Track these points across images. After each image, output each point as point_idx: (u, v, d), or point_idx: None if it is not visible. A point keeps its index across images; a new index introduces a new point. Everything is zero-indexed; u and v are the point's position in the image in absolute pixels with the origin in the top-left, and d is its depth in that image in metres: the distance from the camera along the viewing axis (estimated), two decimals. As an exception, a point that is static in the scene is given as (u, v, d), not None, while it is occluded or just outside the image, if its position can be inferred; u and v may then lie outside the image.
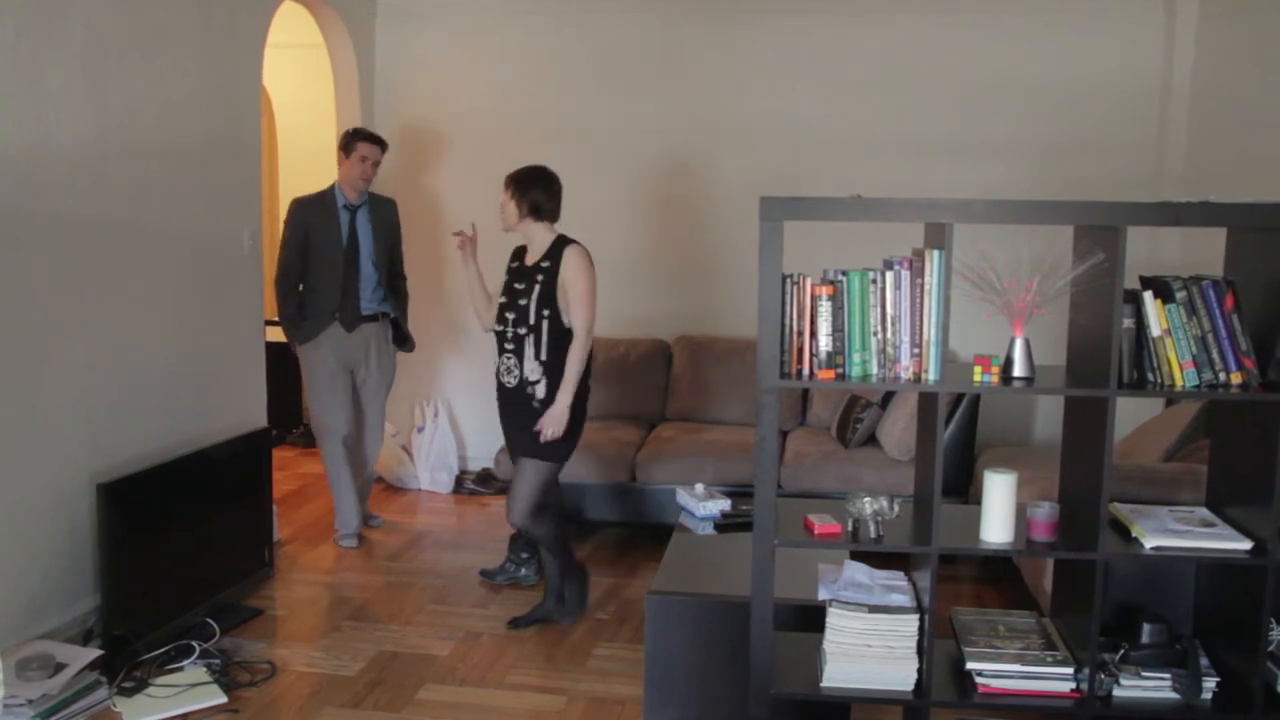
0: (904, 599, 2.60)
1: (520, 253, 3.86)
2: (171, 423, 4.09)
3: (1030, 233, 2.38)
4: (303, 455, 6.34)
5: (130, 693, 3.30)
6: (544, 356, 3.69)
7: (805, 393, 5.32)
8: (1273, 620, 2.48)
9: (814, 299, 2.43)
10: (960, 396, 4.59)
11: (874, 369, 2.46)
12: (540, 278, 3.71)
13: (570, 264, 3.69)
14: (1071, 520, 2.59)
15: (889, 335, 2.44)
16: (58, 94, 3.50)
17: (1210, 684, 2.52)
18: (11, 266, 3.35)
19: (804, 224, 2.46)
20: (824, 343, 2.44)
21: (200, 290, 4.28)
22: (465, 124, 5.78)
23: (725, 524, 3.78)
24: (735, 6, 5.49)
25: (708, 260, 5.65)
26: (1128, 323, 2.42)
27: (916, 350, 2.44)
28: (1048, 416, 5.41)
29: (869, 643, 2.52)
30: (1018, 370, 2.46)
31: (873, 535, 2.52)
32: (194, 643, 3.56)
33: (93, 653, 3.28)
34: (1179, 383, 2.42)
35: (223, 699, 3.32)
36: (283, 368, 5.08)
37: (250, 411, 4.62)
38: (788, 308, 2.44)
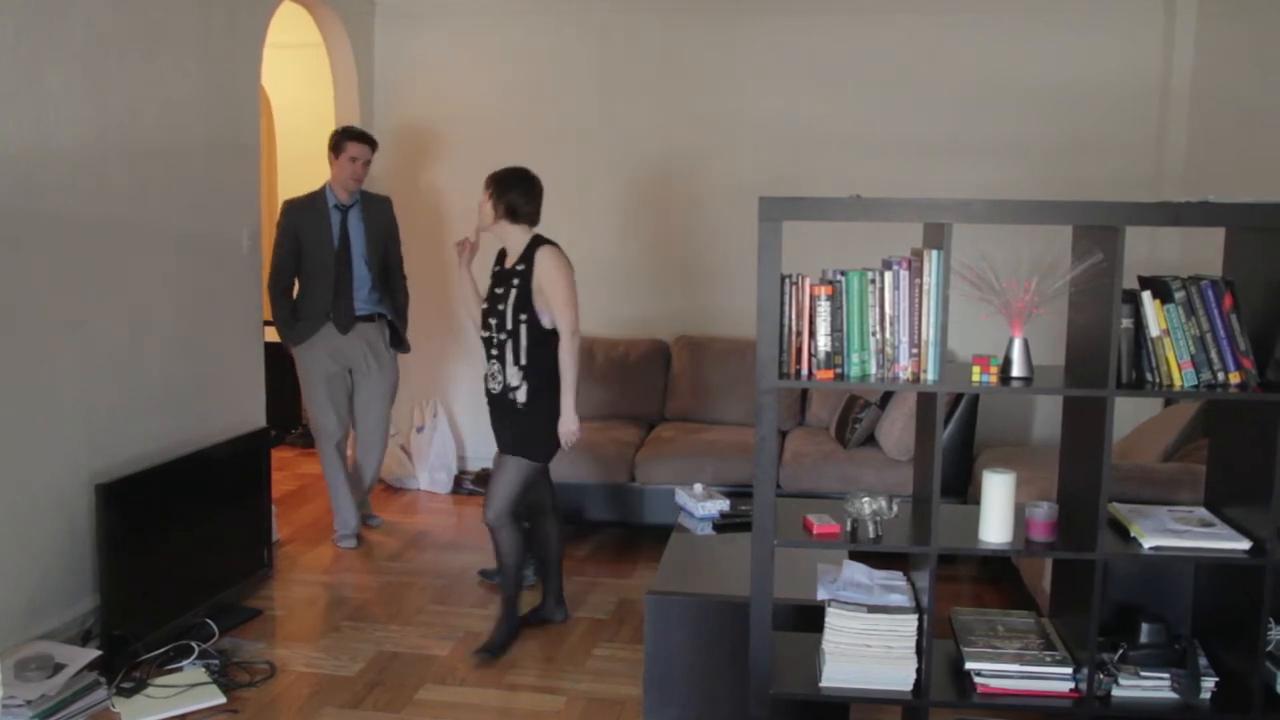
0: (903, 599, 2.60)
1: (502, 256, 3.80)
2: (171, 423, 4.09)
3: (1029, 233, 2.38)
4: (302, 455, 6.35)
5: (129, 693, 3.30)
6: (523, 361, 3.64)
7: (804, 393, 5.32)
8: (1271, 620, 2.48)
9: (813, 299, 2.43)
10: (959, 396, 4.59)
11: (873, 369, 2.46)
12: (516, 281, 3.66)
13: (544, 266, 3.64)
14: (1070, 520, 2.59)
15: (888, 335, 2.44)
16: (58, 94, 3.50)
17: (1209, 684, 2.52)
18: (11, 266, 3.35)
19: (803, 224, 2.47)
20: (823, 343, 2.44)
21: (200, 290, 4.28)
22: (464, 124, 5.78)
23: (724, 524, 3.78)
24: (735, 6, 5.49)
25: (707, 260, 5.65)
26: (1126, 323, 2.42)
27: (915, 350, 2.44)
28: (1046, 416, 5.41)
29: (868, 643, 2.52)
30: (1016, 370, 2.46)
31: (871, 535, 2.52)
32: (193, 643, 3.56)
33: (92, 653, 3.28)
34: (1178, 383, 2.42)
35: (222, 699, 3.32)
36: (282, 368, 5.08)
37: (249, 412, 4.62)
38: (787, 308, 2.44)
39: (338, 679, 3.53)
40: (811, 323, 2.44)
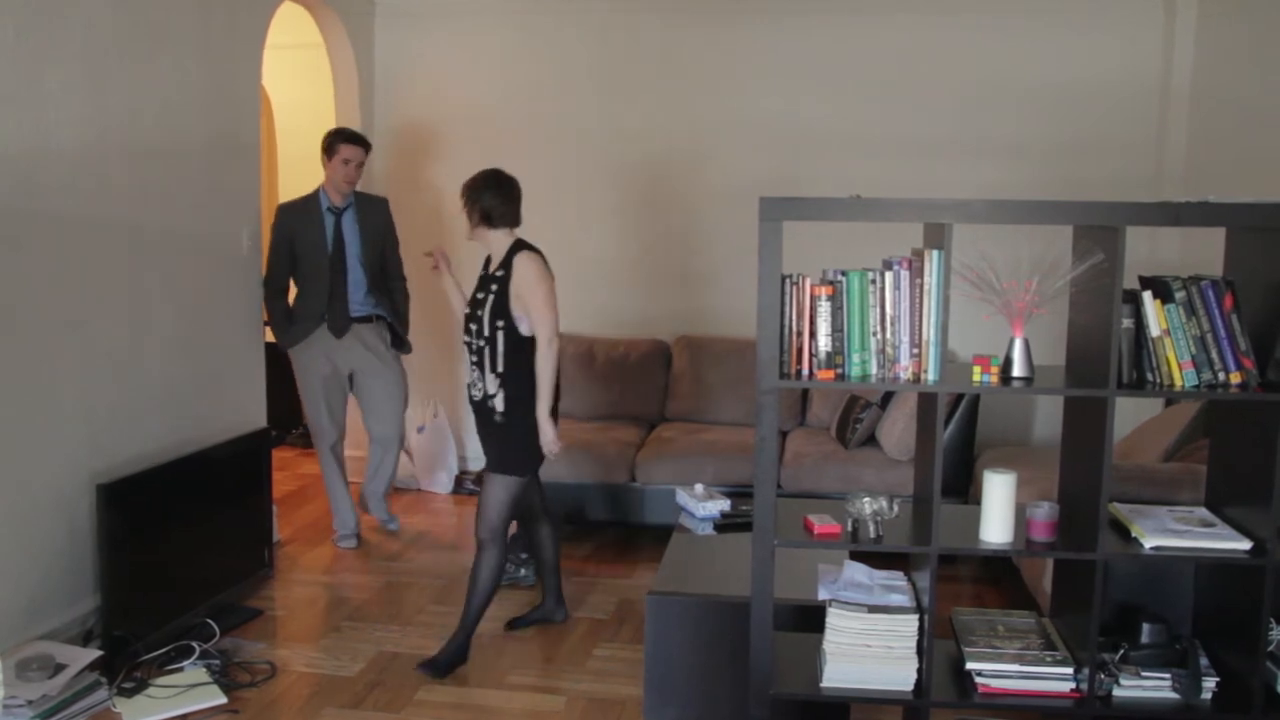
0: (903, 599, 2.60)
1: (489, 260, 3.71)
2: (171, 423, 4.09)
3: (1030, 233, 2.38)
4: (302, 456, 6.35)
5: (130, 693, 3.30)
6: (500, 369, 3.55)
7: (805, 393, 5.32)
8: (1272, 620, 2.48)
9: (813, 299, 2.43)
10: (960, 396, 4.59)
11: (873, 369, 2.46)
12: (494, 287, 3.57)
13: (521, 271, 3.53)
14: (1071, 520, 2.59)
15: (888, 335, 2.44)
16: (58, 94, 3.50)
17: (1210, 684, 2.52)
18: (11, 266, 3.35)
19: (804, 224, 2.47)
20: (823, 343, 2.44)
21: (200, 290, 4.28)
22: (465, 124, 5.78)
23: (725, 524, 3.78)
24: (735, 6, 5.49)
25: (707, 260, 5.65)
26: (1127, 323, 2.42)
27: (916, 350, 2.44)
28: (1047, 416, 5.41)
29: (868, 643, 2.53)
30: (1017, 370, 2.46)
31: (872, 535, 2.53)
32: (194, 643, 3.56)
33: (93, 653, 3.28)
34: (1178, 383, 2.42)
35: (223, 699, 3.32)
36: (282, 368, 5.08)
37: (250, 412, 4.62)
38: (787, 308, 2.44)
39: (338, 679, 3.53)
40: (812, 323, 2.44)
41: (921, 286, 2.42)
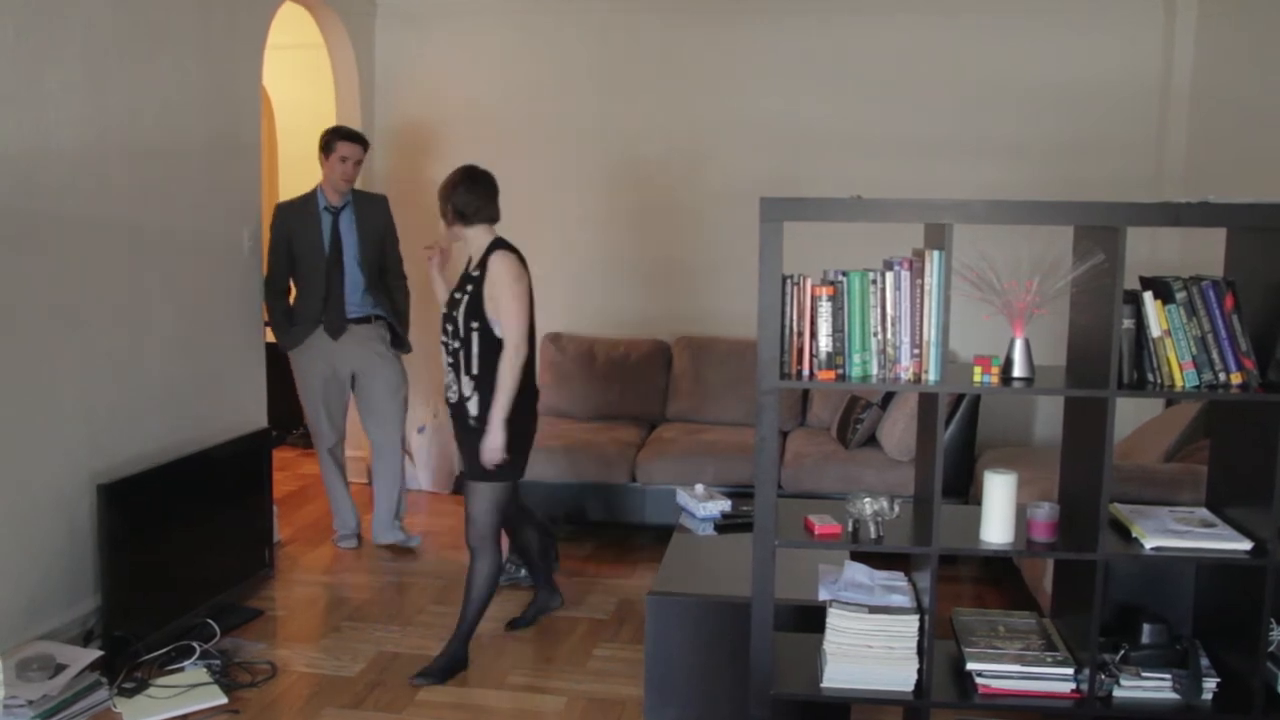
0: (904, 599, 2.60)
1: (470, 259, 3.63)
2: (172, 423, 4.09)
3: (1030, 233, 2.38)
4: (303, 456, 6.35)
5: (131, 693, 3.30)
6: (474, 371, 3.47)
7: (805, 393, 5.32)
8: (1273, 620, 2.48)
9: (814, 299, 2.43)
10: (960, 397, 4.59)
11: (874, 369, 2.46)
12: (470, 287, 3.49)
13: (495, 271, 3.45)
14: (1071, 521, 2.59)
15: (889, 336, 2.44)
16: (58, 94, 3.50)
17: (1210, 684, 2.52)
18: (11, 266, 3.35)
19: (804, 224, 2.46)
20: (824, 343, 2.44)
21: (200, 290, 4.28)
22: (465, 124, 5.78)
23: (725, 524, 3.78)
24: (735, 6, 5.49)
25: (708, 261, 5.65)
26: (1128, 323, 2.42)
27: (916, 351, 2.44)
28: (1048, 417, 5.41)
29: (869, 643, 2.53)
30: (1018, 371, 2.46)
31: (873, 536, 2.52)
32: (194, 643, 3.56)
33: (93, 653, 3.28)
34: (1179, 383, 2.42)
35: (223, 700, 3.32)
36: (283, 368, 5.07)
37: (250, 412, 4.62)
38: (788, 308, 2.44)
39: (339, 679, 3.53)
40: (813, 323, 2.44)
41: (922, 287, 2.42)
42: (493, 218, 3.58)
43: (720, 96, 5.55)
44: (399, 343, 4.77)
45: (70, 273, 3.59)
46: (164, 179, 4.05)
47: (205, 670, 3.46)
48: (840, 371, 2.46)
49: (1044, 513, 2.53)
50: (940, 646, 2.64)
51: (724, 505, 3.85)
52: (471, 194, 3.53)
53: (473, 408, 3.51)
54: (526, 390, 3.58)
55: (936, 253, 2.40)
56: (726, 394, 5.36)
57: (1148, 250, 4.84)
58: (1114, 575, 2.72)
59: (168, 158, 4.06)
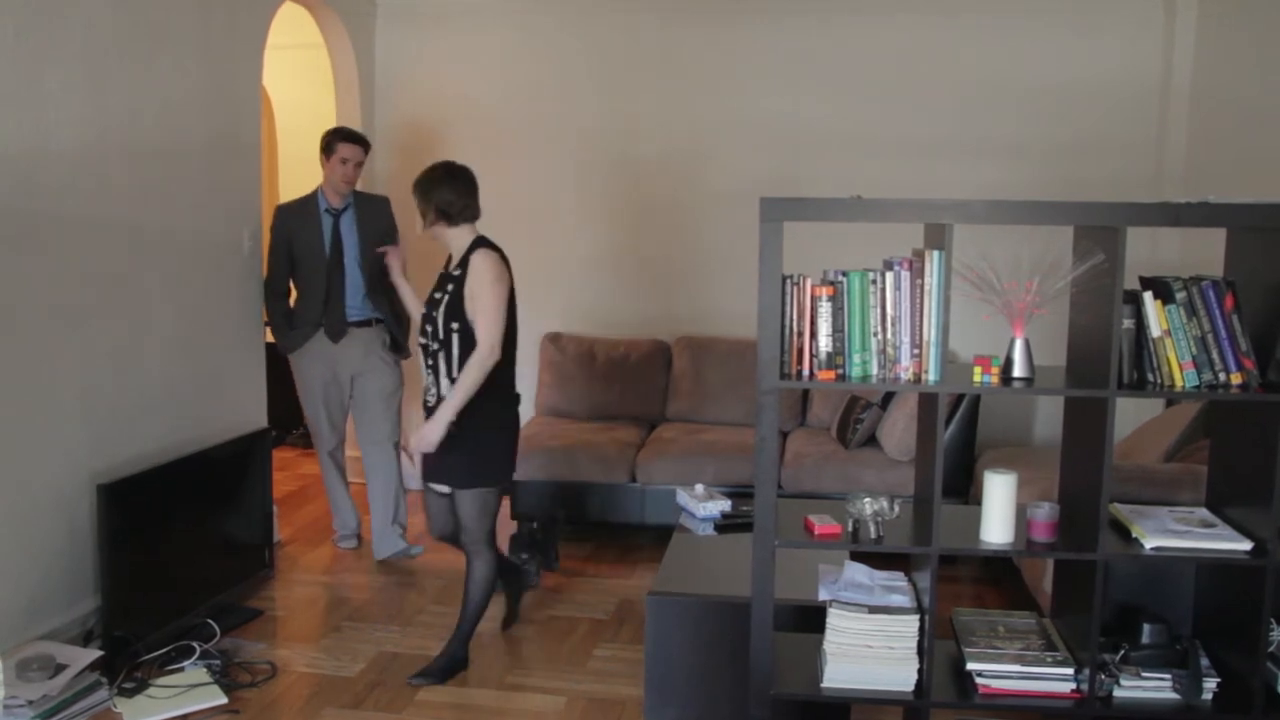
0: (904, 599, 2.60)
1: (450, 258, 3.55)
2: (172, 423, 4.09)
3: (1030, 233, 2.38)
4: (303, 456, 6.35)
5: (131, 693, 3.30)
6: (455, 373, 3.37)
7: (805, 393, 5.31)
8: (1273, 621, 2.48)
9: (814, 299, 2.43)
10: (960, 397, 4.59)
11: (874, 369, 2.46)
12: (450, 287, 3.39)
13: (476, 270, 3.35)
14: (1071, 521, 2.59)
15: (889, 336, 2.44)
16: (58, 94, 3.50)
17: (1210, 684, 2.52)
18: (11, 266, 3.35)
19: (804, 224, 2.46)
20: (824, 343, 2.44)
21: (200, 290, 4.28)
22: (465, 124, 5.77)
23: (725, 524, 3.78)
24: (735, 6, 5.49)
25: (708, 261, 5.65)
26: (1128, 323, 2.42)
27: (916, 351, 2.44)
28: (1048, 417, 5.41)
29: (869, 643, 2.53)
30: (1018, 371, 2.46)
31: (873, 536, 2.52)
32: (194, 643, 3.56)
33: (93, 653, 3.28)
34: (1179, 383, 2.42)
35: (223, 700, 3.32)
36: (282, 368, 5.07)
37: (250, 412, 4.62)
38: (788, 308, 2.44)
39: (339, 679, 3.53)
40: (813, 323, 2.44)
41: (922, 287, 2.42)
42: (475, 215, 3.49)
43: (720, 96, 5.55)
44: (398, 347, 4.71)
45: (70, 273, 3.59)
46: (164, 179, 4.05)
47: (205, 670, 3.46)
48: (840, 371, 2.46)
49: (1044, 513, 2.53)
50: (940, 646, 2.64)
51: (724, 505, 3.85)
52: (455, 192, 3.42)
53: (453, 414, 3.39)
54: (508, 397, 3.54)
55: (936, 253, 2.40)
56: (726, 394, 5.36)
57: (1148, 250, 4.84)
58: (1114, 575, 2.72)
59: (168, 158, 4.06)
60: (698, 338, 5.57)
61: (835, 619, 2.55)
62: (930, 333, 2.43)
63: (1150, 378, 2.44)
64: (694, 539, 3.70)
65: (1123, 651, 2.55)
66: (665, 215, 5.68)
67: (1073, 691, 2.50)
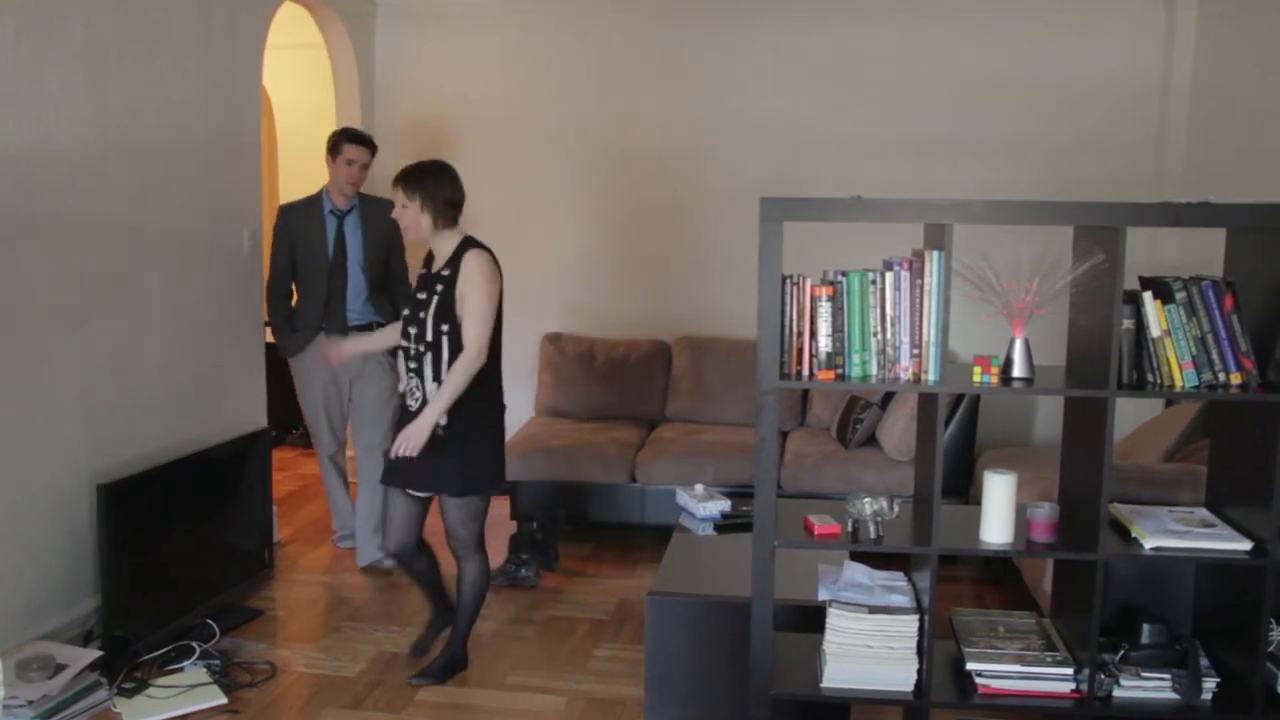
0: (904, 599, 2.60)
1: (429, 256, 3.45)
2: (172, 423, 4.09)
3: (1030, 233, 2.38)
4: (303, 456, 6.35)
5: (130, 693, 3.30)
6: (444, 376, 3.27)
7: (805, 393, 5.32)
8: (1273, 621, 2.48)
9: (814, 300, 2.43)
10: (960, 397, 4.59)
11: (874, 369, 2.46)
12: (440, 287, 3.29)
13: (470, 271, 3.25)
14: (1071, 521, 2.59)
15: (889, 336, 2.44)
16: (58, 94, 3.50)
17: (1210, 684, 2.52)
18: (11, 266, 3.35)
19: (804, 224, 2.47)
20: (824, 343, 2.44)
21: (200, 291, 4.28)
22: (465, 124, 5.78)
23: (725, 525, 3.78)
24: (735, 6, 5.49)
25: (708, 261, 5.65)
26: (1127, 323, 2.42)
27: (916, 351, 2.44)
28: (1048, 417, 5.41)
29: (869, 643, 2.53)
30: (1017, 371, 2.46)
31: (873, 536, 2.52)
32: (194, 643, 3.56)
33: (93, 653, 3.28)
34: (1179, 383, 2.42)
35: (223, 700, 3.32)
36: (283, 369, 5.07)
37: (250, 412, 4.62)
38: (788, 308, 2.44)
39: (339, 679, 3.53)
40: (813, 323, 2.44)
41: (922, 287, 2.42)
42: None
43: (720, 96, 5.55)
44: (394, 351, 4.66)
45: (70, 273, 3.59)
46: (164, 179, 4.05)
47: (205, 670, 3.46)
48: (840, 371, 2.46)
49: (1044, 513, 2.53)
50: (940, 646, 2.64)
51: (724, 505, 3.85)
52: (454, 190, 3.33)
53: (443, 418, 3.30)
54: (497, 400, 3.47)
55: (936, 253, 2.40)
56: (726, 394, 5.36)
57: (1147, 250, 4.84)
58: (1114, 575, 2.72)
59: (168, 158, 4.06)
60: (698, 338, 5.57)
61: (835, 619, 2.55)
62: (930, 333, 2.43)
63: (1150, 378, 2.44)
64: (694, 539, 3.70)
65: (1122, 651, 2.55)
66: (665, 215, 5.68)
67: (1072, 691, 2.50)
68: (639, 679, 3.36)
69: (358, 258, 4.51)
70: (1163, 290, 2.43)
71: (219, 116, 4.37)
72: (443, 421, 3.29)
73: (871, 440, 4.86)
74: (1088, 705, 2.49)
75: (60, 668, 3.15)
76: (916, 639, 2.52)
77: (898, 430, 4.65)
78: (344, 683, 3.50)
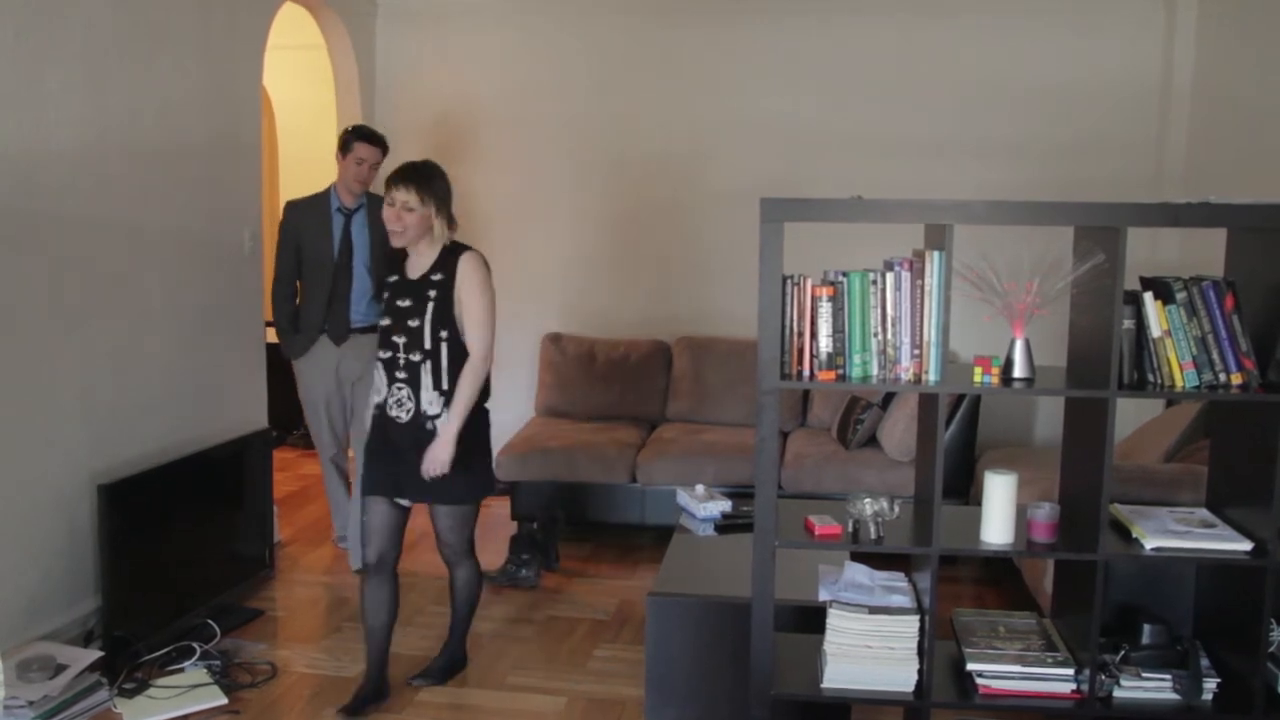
0: (904, 600, 2.60)
1: (395, 262, 3.31)
2: (172, 424, 4.09)
3: (1030, 233, 2.38)
4: (303, 456, 6.34)
5: (131, 694, 3.30)
6: (445, 385, 3.18)
7: (806, 394, 5.31)
8: (1273, 621, 2.48)
9: (814, 300, 2.43)
10: (961, 397, 4.59)
11: (874, 370, 2.46)
12: (433, 293, 3.18)
13: (467, 277, 3.18)
14: (1072, 521, 2.59)
15: (889, 336, 2.44)
16: (58, 94, 3.50)
17: (1211, 685, 2.52)
18: (11, 266, 3.35)
19: (804, 225, 2.46)
20: (824, 344, 2.44)
21: (201, 291, 4.28)
22: (466, 125, 5.78)
23: (726, 525, 3.78)
24: (735, 6, 5.49)
25: (708, 261, 5.65)
26: (1128, 324, 2.42)
27: (917, 351, 2.44)
28: (1048, 417, 5.41)
29: (869, 644, 2.53)
30: (1018, 371, 2.46)
31: (873, 536, 2.52)
32: (195, 644, 3.56)
33: (93, 654, 3.28)
34: (1179, 383, 2.42)
35: (223, 700, 3.32)
36: (283, 369, 5.06)
37: (250, 412, 4.62)
38: (788, 309, 2.44)
39: (339, 680, 3.53)
40: (813, 324, 2.44)
41: (922, 287, 2.42)
42: None
43: (720, 96, 5.55)
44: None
45: (70, 273, 3.59)
46: (164, 179, 4.05)
47: (205, 671, 3.46)
48: (840, 372, 2.46)
49: (1044, 513, 2.53)
50: (940, 647, 2.64)
51: (724, 506, 3.85)
52: (449, 192, 3.26)
53: (441, 425, 3.21)
54: (484, 405, 3.36)
55: (937, 253, 2.40)
56: (727, 394, 5.36)
57: (1148, 251, 4.84)
58: (1114, 576, 2.72)
59: (168, 158, 4.06)
60: (698, 338, 5.57)
61: (835, 619, 2.54)
62: (930, 333, 2.43)
63: (1150, 378, 2.44)
64: (694, 539, 3.69)
65: (1123, 652, 2.55)
66: (665, 215, 5.68)
67: (1073, 692, 2.50)
68: (639, 679, 3.36)
69: (364, 258, 4.46)
70: (1163, 290, 2.43)
71: (219, 117, 4.37)
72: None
73: (872, 441, 4.86)
74: (1088, 706, 2.49)
75: (61, 668, 3.15)
76: (917, 639, 2.52)
77: (898, 431, 4.65)
78: (344, 683, 3.50)
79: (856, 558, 2.81)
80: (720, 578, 3.30)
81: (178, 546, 3.80)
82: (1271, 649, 2.50)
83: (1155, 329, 2.42)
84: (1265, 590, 2.42)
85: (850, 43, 5.42)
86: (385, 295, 3.29)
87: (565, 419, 5.43)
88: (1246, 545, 2.46)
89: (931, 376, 2.44)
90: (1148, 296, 2.43)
